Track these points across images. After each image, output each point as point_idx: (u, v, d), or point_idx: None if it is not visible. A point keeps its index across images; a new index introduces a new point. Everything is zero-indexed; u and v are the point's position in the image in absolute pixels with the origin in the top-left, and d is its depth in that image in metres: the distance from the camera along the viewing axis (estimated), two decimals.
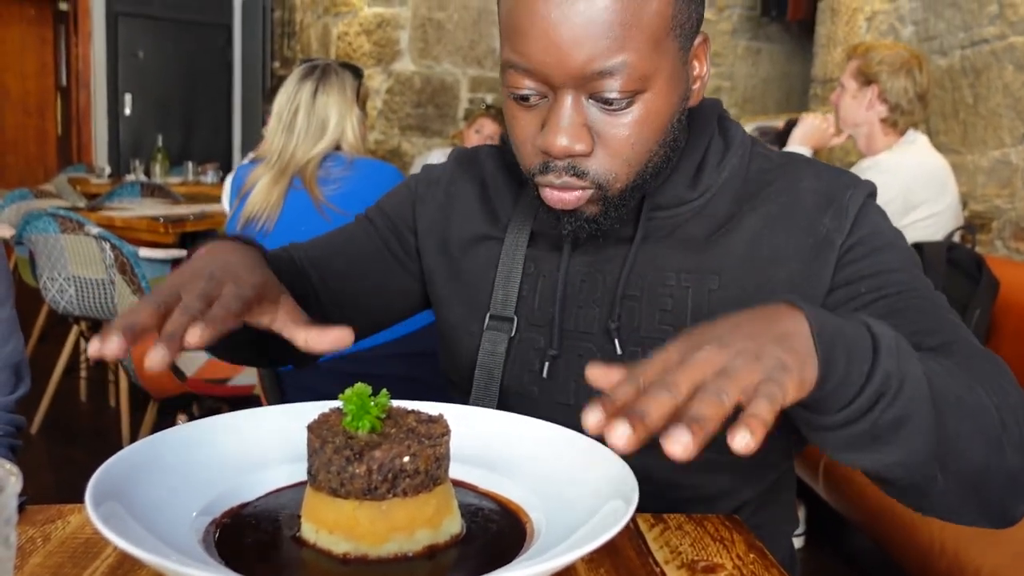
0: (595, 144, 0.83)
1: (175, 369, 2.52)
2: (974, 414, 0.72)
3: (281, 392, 2.31)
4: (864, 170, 2.61)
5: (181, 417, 2.69)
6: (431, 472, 0.66)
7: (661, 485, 0.90)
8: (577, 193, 0.86)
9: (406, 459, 0.64)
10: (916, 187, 2.53)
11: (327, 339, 0.71)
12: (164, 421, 3.05)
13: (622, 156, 0.84)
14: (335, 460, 0.64)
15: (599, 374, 0.58)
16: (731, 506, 0.96)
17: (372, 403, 0.66)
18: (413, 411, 0.71)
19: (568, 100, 0.82)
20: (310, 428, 0.67)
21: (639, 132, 0.83)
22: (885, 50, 2.62)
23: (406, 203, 1.10)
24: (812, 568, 2.48)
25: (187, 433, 0.74)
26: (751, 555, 0.75)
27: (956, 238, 2.58)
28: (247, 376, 2.68)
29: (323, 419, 0.69)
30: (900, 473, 0.71)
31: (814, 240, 0.90)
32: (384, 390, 0.69)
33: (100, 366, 4.24)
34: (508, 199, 1.04)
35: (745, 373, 0.56)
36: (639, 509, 0.66)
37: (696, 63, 0.89)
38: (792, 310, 0.64)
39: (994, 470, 0.74)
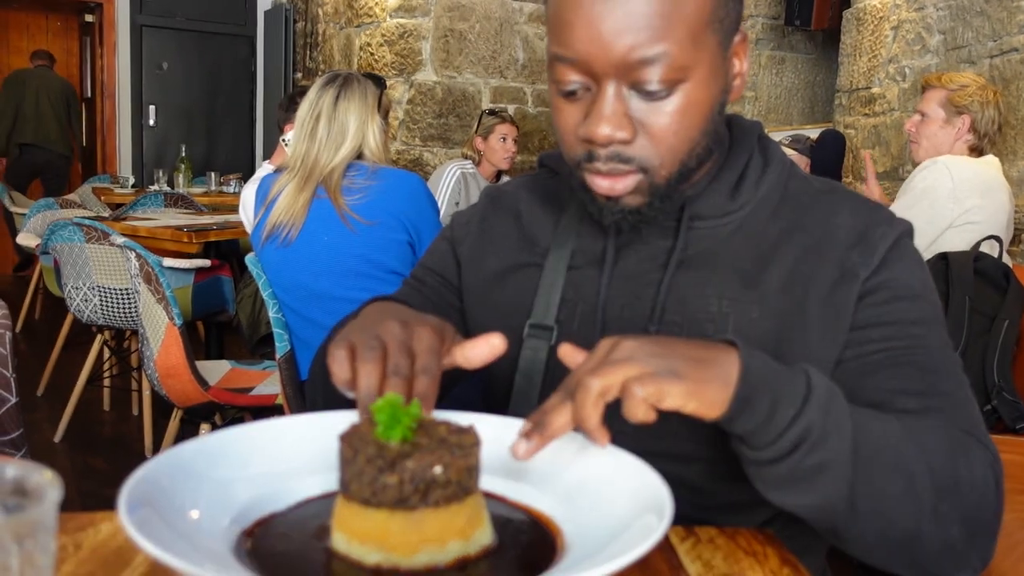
0: (637, 133, 0.86)
1: (198, 378, 2.53)
2: (909, 478, 0.76)
3: (303, 401, 2.32)
4: (923, 167, 2.66)
5: (205, 428, 2.69)
6: (463, 483, 0.65)
7: (693, 492, 0.90)
8: (626, 180, 0.87)
9: (438, 469, 0.63)
10: (966, 189, 2.57)
11: (481, 350, 0.78)
12: (187, 430, 3.06)
13: (665, 143, 0.86)
14: (367, 470, 0.63)
15: (568, 351, 0.77)
16: (763, 517, 0.95)
17: (404, 413, 0.66)
18: (444, 422, 0.70)
19: (610, 90, 0.84)
20: (342, 438, 0.67)
21: (680, 121, 0.85)
22: (969, 81, 2.74)
23: (448, 254, 1.12)
24: None
25: (217, 441, 0.74)
26: (785, 570, 0.74)
27: (985, 248, 2.55)
28: (270, 385, 2.70)
29: (355, 429, 0.68)
30: (816, 516, 0.78)
31: (841, 273, 0.91)
32: (415, 399, 0.68)
33: (123, 375, 4.27)
34: (548, 224, 1.05)
35: (634, 368, 0.67)
36: (675, 519, 0.66)
37: (736, 60, 0.92)
38: (728, 348, 0.73)
39: (926, 535, 0.78)
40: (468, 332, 1.09)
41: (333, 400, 0.94)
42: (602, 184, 0.88)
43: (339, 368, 0.74)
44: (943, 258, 2.55)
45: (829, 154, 4.04)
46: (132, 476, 0.62)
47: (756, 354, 0.73)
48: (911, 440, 0.78)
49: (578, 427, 0.70)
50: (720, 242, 0.96)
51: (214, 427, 2.82)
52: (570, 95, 0.87)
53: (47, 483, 0.42)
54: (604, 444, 0.69)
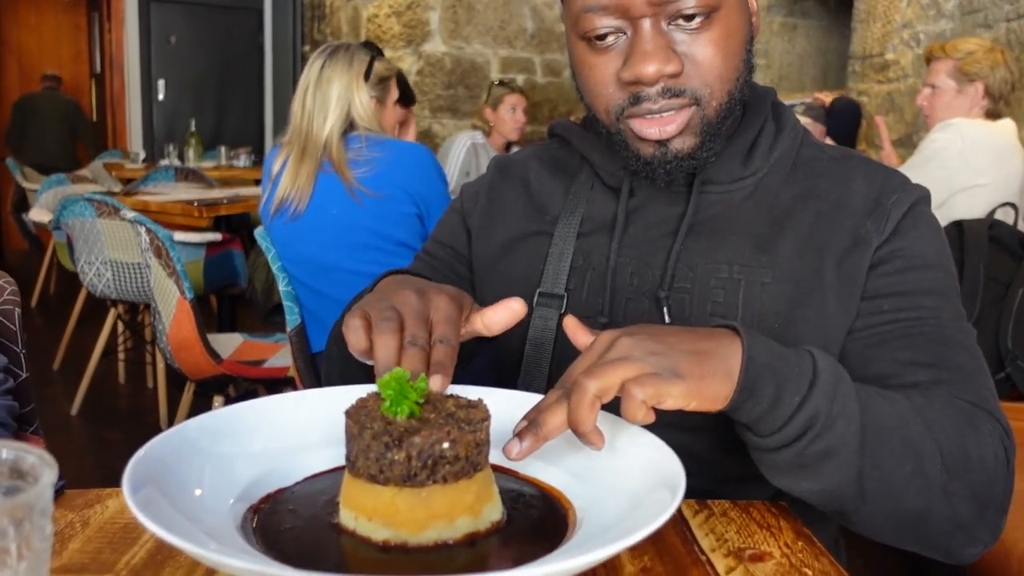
0: (684, 64, 0.85)
1: (210, 351, 2.53)
2: (917, 458, 0.75)
3: (316, 374, 2.32)
4: (936, 130, 2.63)
5: (218, 401, 2.70)
6: (471, 458, 0.64)
7: (703, 464, 0.89)
8: (677, 119, 0.86)
9: (446, 445, 0.62)
10: (976, 150, 2.54)
11: (502, 315, 0.77)
12: (201, 403, 3.08)
13: (714, 71, 0.85)
14: (374, 446, 0.62)
15: (572, 325, 0.75)
16: (775, 488, 0.94)
17: (411, 388, 0.65)
18: (452, 396, 0.69)
19: (648, 26, 0.84)
20: (348, 414, 0.66)
21: (724, 46, 0.85)
22: (975, 46, 2.70)
23: (458, 226, 1.11)
24: (857, 552, 2.45)
25: (222, 418, 0.73)
26: (799, 543, 0.73)
27: (1000, 215, 2.52)
28: (282, 358, 2.70)
29: (361, 404, 0.67)
30: (824, 501, 0.77)
31: (854, 240, 0.90)
32: (423, 374, 0.67)
33: (137, 348, 4.29)
34: (557, 192, 1.04)
35: (632, 368, 0.65)
36: (686, 491, 0.65)
37: None
38: (731, 336, 0.71)
39: (935, 514, 0.76)
40: (479, 303, 1.08)
41: (350, 375, 0.93)
42: (651, 130, 0.86)
43: (355, 337, 0.72)
44: (957, 226, 2.52)
45: (844, 121, 3.99)
46: (135, 456, 0.61)
47: (759, 340, 0.71)
48: (920, 419, 0.77)
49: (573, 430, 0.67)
50: (732, 207, 0.94)
51: (227, 399, 2.83)
52: (601, 46, 0.86)
53: (42, 464, 0.41)
54: (599, 448, 0.66)
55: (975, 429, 0.79)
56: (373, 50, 2.30)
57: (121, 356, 4.19)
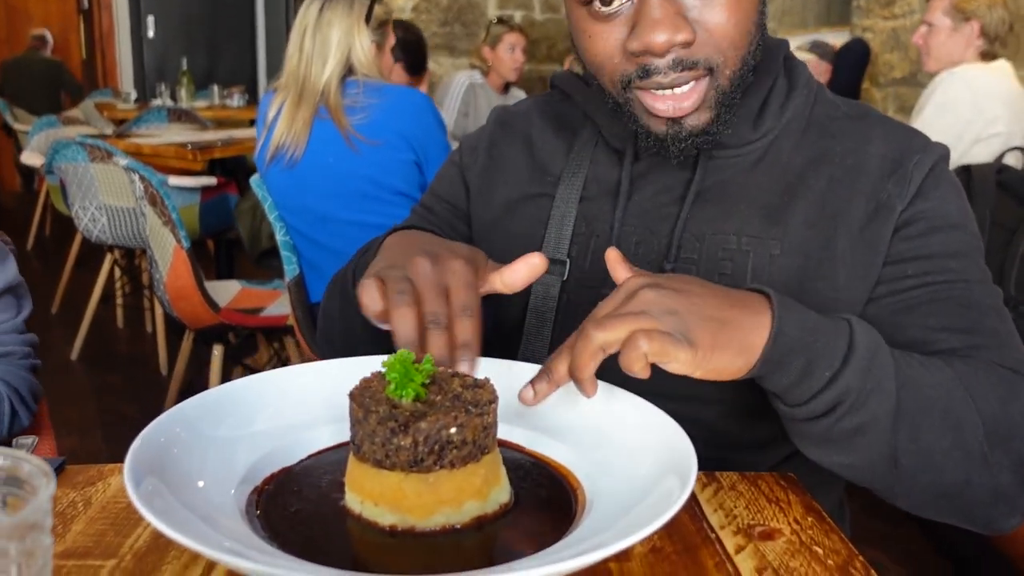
0: (696, 32, 0.80)
1: (208, 300, 2.52)
2: (958, 429, 0.73)
3: (315, 323, 2.31)
4: (940, 82, 2.59)
5: (217, 350, 2.70)
6: (479, 442, 0.63)
7: (711, 432, 0.88)
8: (693, 95, 0.82)
9: (453, 430, 0.61)
10: (987, 99, 2.51)
11: (520, 271, 0.75)
12: (200, 350, 3.07)
13: (727, 38, 0.81)
14: (379, 431, 0.61)
15: (614, 256, 0.75)
16: (782, 454, 0.93)
17: (416, 370, 0.63)
18: (457, 375, 0.68)
19: None
20: (352, 396, 0.64)
21: (736, 11, 0.81)
22: None
23: (456, 180, 1.07)
24: (862, 519, 2.48)
25: (220, 397, 0.72)
26: (809, 518, 0.72)
27: (1009, 160, 2.49)
28: (280, 306, 2.69)
29: (365, 385, 0.66)
30: (854, 475, 0.76)
31: (876, 205, 0.87)
32: (428, 355, 0.65)
33: (136, 293, 4.28)
34: (560, 150, 1.01)
35: (646, 322, 0.64)
36: None
37: None
38: (763, 305, 0.69)
39: (976, 485, 0.75)
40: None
41: (351, 336, 0.91)
42: (664, 107, 0.82)
43: (371, 301, 0.69)
44: (965, 170, 2.49)
45: (851, 61, 3.93)
46: (135, 443, 0.60)
47: (793, 312, 0.69)
48: (962, 388, 0.75)
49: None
50: (742, 173, 0.91)
51: (227, 346, 2.82)
52: (604, 13, 0.81)
53: (39, 474, 0.40)
54: (591, 395, 0.67)
55: (1017, 397, 0.77)
56: None
57: (119, 301, 4.18)
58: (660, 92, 0.82)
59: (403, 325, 0.68)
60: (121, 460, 0.58)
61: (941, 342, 0.82)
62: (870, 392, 0.70)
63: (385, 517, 0.62)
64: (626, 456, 0.68)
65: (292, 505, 0.65)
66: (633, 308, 0.66)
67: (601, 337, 0.65)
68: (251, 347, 3.27)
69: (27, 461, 0.42)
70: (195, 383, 3.09)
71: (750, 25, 0.82)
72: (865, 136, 0.91)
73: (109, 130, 4.80)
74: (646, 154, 0.93)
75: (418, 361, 0.64)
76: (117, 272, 4.04)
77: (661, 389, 0.74)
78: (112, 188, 3.19)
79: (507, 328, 1.00)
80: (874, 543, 2.24)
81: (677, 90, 0.81)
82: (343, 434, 0.68)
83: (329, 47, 2.13)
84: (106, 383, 3.56)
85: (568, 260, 0.95)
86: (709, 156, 0.91)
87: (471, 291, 0.71)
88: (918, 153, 0.88)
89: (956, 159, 2.55)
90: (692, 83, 0.81)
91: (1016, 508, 0.77)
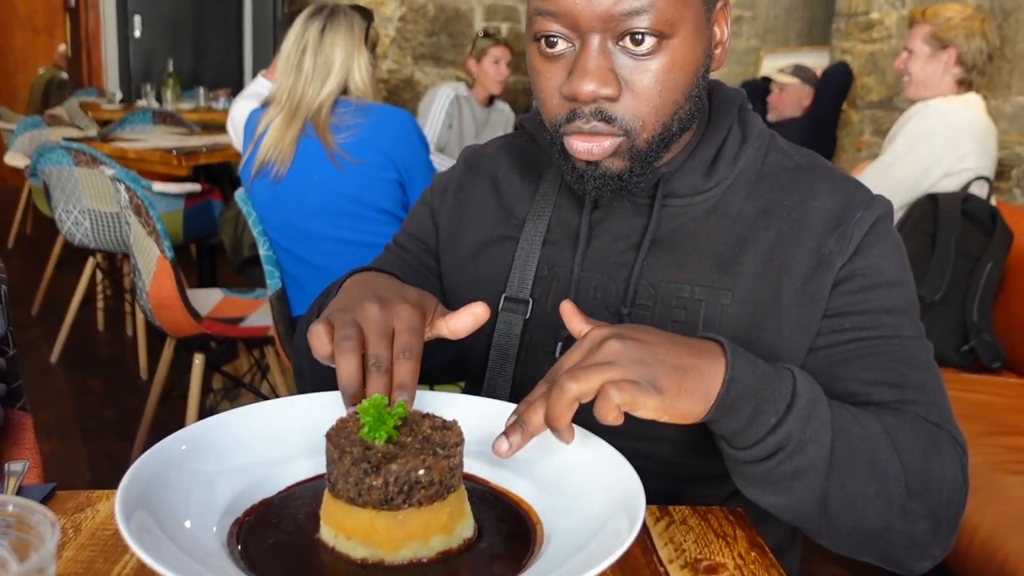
0: (622, 91, 0.84)
1: (191, 310, 2.55)
2: (883, 479, 0.80)
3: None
4: (915, 113, 2.64)
5: (198, 359, 2.72)
6: (445, 482, 0.68)
7: (663, 466, 0.94)
8: (606, 142, 0.86)
9: (421, 472, 0.66)
10: (964, 138, 2.56)
11: (464, 319, 0.80)
12: (181, 357, 3.10)
13: (650, 103, 0.85)
14: (353, 472, 0.66)
15: (569, 309, 0.78)
16: (733, 487, 0.98)
17: (388, 415, 0.68)
18: (428, 416, 0.73)
19: (595, 44, 0.83)
20: (328, 437, 0.69)
21: (665, 79, 0.84)
22: (953, 13, 2.68)
23: (427, 220, 1.12)
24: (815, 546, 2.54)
25: (206, 431, 0.77)
26: (752, 554, 0.78)
27: (974, 189, 2.56)
28: (262, 316, 2.72)
29: (341, 426, 0.71)
30: (788, 516, 0.82)
31: (818, 260, 0.91)
32: (400, 399, 0.71)
33: (117, 297, 4.29)
34: (526, 192, 1.05)
35: (615, 372, 0.69)
36: (648, 493, 0.70)
37: (717, 28, 0.91)
38: (718, 352, 0.74)
39: (895, 531, 0.81)
40: (448, 306, 1.11)
41: (319, 372, 0.96)
42: (581, 147, 0.86)
43: (319, 345, 0.75)
44: (932, 199, 2.56)
45: (836, 89, 4.02)
46: (126, 477, 0.65)
47: (744, 359, 0.74)
48: (889, 441, 0.81)
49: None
50: (695, 221, 0.95)
51: (208, 354, 2.85)
52: (551, 54, 0.86)
53: (45, 523, 0.45)
54: (569, 442, 0.71)
55: (939, 452, 0.83)
56: (368, 15, 2.29)
57: (100, 304, 4.20)
58: (579, 135, 0.86)
59: (345, 369, 0.73)
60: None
61: (874, 394, 0.87)
62: (808, 439, 0.76)
63: (357, 551, 0.67)
64: (581, 494, 0.73)
65: (271, 537, 0.70)
66: (601, 359, 0.70)
67: (576, 389, 0.69)
68: (231, 354, 3.30)
69: (35, 511, 0.46)
70: (175, 389, 3.12)
71: (677, 95, 0.86)
72: (811, 190, 0.94)
73: (93, 131, 4.81)
74: (603, 200, 0.97)
75: (356, 403, 0.70)
76: (99, 275, 4.05)
77: (621, 428, 0.80)
78: (96, 192, 3.21)
79: (473, 364, 1.06)
80: (835, 559, 2.31)
81: (594, 137, 0.86)
82: (320, 467, 0.73)
83: (331, 67, 2.17)
84: (86, 386, 3.58)
85: (531, 300, 0.99)
86: (664, 205, 0.96)
87: (413, 335, 0.76)
88: (860, 210, 0.92)
89: (924, 190, 2.61)
90: (609, 138, 0.86)
91: (927, 554, 0.84)
